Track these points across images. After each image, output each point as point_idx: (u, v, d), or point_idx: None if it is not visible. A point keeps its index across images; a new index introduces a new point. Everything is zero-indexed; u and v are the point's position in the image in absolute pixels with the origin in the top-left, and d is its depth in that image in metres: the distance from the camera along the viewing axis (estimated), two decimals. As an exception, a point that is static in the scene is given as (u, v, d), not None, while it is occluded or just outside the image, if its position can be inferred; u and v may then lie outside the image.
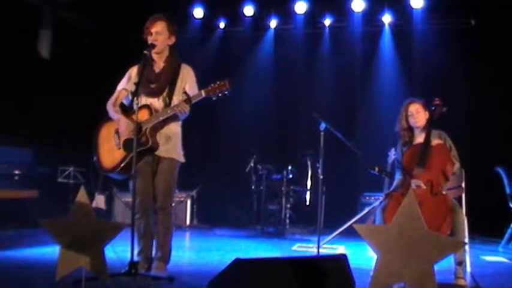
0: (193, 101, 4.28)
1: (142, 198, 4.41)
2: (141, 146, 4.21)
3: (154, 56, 4.51)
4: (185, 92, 4.33)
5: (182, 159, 4.58)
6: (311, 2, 9.62)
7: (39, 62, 8.94)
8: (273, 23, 10.22)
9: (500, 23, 8.60)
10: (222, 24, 10.39)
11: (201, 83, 4.48)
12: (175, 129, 4.52)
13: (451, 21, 9.23)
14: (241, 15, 10.02)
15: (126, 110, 4.52)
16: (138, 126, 4.15)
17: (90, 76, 8.62)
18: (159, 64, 4.54)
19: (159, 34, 4.44)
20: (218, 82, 4.22)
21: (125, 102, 4.60)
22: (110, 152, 4.46)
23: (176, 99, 4.43)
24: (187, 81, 4.50)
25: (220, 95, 4.21)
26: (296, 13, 9.83)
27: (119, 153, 4.40)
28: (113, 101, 4.57)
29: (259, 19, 10.15)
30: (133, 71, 4.59)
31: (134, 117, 4.16)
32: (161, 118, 4.32)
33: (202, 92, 4.26)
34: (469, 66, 8.68)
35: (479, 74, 8.63)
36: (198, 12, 10.04)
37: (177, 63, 4.56)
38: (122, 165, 4.34)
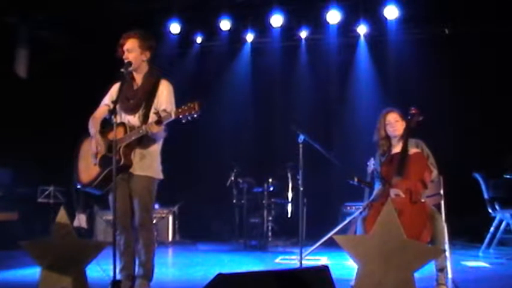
0: (164, 122, 4.15)
1: (120, 214, 4.34)
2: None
3: (134, 73, 4.50)
4: (156, 113, 4.18)
5: (160, 176, 4.53)
6: (287, 15, 9.67)
7: (16, 81, 8.88)
8: (250, 37, 10.27)
9: (473, 31, 8.77)
10: (199, 39, 10.42)
11: (180, 98, 4.41)
12: (151, 147, 4.45)
13: (426, 30, 9.41)
14: (217, 29, 10.04)
15: (105, 126, 4.50)
16: (113, 144, 4.11)
17: (68, 94, 8.58)
18: (137, 81, 4.52)
19: (129, 52, 4.40)
20: (188, 104, 4.04)
21: (107, 117, 4.59)
22: (87, 168, 4.45)
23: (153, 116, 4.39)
24: (164, 98, 4.43)
25: (189, 118, 4.02)
26: (272, 26, 9.86)
27: (95, 170, 4.38)
28: (94, 116, 4.56)
29: (236, 33, 10.17)
30: (115, 88, 4.57)
31: (110, 135, 4.11)
32: (133, 138, 4.28)
33: (172, 113, 4.11)
34: (445, 75, 8.82)
35: (455, 82, 8.76)
36: (175, 28, 10.03)
37: (155, 79, 4.52)
38: (96, 182, 4.34)
